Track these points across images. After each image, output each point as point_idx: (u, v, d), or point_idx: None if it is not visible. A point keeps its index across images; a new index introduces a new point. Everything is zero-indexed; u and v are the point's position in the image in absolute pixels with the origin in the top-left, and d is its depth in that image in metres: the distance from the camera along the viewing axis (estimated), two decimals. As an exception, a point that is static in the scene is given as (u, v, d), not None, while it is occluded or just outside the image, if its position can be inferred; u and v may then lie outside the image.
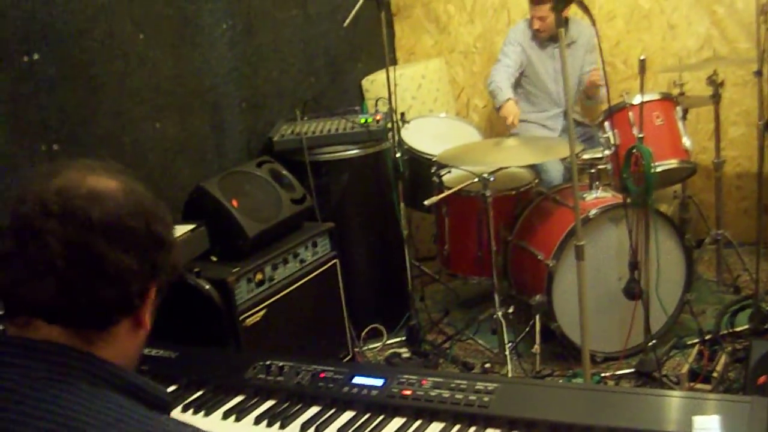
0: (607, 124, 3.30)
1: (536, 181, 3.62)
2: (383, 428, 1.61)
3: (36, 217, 0.96)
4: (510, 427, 1.54)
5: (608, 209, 3.14)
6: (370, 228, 3.56)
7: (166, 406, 1.08)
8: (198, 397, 1.81)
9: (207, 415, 1.74)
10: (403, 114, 3.72)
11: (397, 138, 3.40)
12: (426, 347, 3.48)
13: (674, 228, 3.27)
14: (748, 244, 3.87)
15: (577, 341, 3.07)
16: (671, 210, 3.94)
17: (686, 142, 3.30)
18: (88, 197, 0.98)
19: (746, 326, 3.25)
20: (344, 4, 3.74)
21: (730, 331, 3.27)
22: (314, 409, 1.70)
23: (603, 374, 3.10)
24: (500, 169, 3.39)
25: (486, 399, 1.59)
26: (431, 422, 1.60)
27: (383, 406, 1.66)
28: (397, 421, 1.62)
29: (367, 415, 1.65)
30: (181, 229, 2.52)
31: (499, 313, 3.29)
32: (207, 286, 2.55)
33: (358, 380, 1.72)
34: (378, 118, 3.49)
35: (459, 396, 1.61)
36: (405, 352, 3.47)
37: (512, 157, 3.28)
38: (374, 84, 4.27)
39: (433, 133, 3.94)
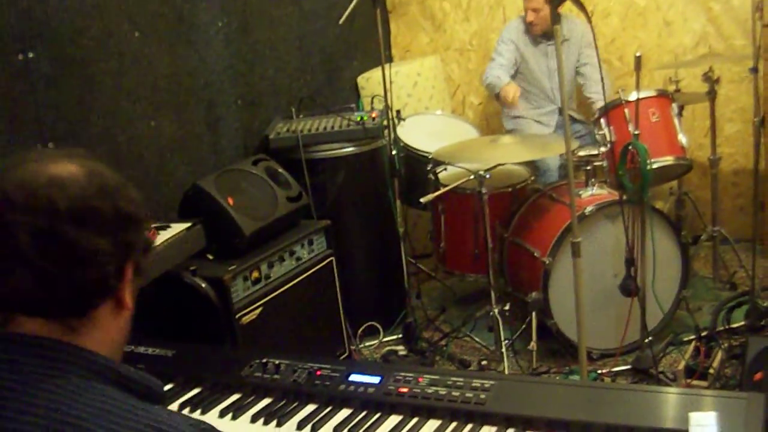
0: (602, 120, 3.30)
1: (532, 178, 3.62)
2: (380, 426, 1.61)
3: (1, 212, 0.95)
4: (506, 424, 1.54)
5: (604, 206, 3.14)
6: (366, 225, 3.56)
7: (159, 397, 1.07)
8: (194, 395, 1.81)
9: (203, 413, 1.74)
10: (398, 111, 3.72)
11: (392, 135, 3.39)
12: (422, 345, 3.47)
13: (670, 225, 3.27)
14: (744, 241, 3.87)
15: (574, 338, 3.06)
16: (667, 207, 3.95)
17: (682, 138, 3.30)
18: (51, 185, 0.97)
19: (742, 323, 3.26)
20: (340, 2, 3.73)
21: (727, 327, 3.28)
22: (311, 407, 1.70)
23: (599, 371, 3.10)
24: (496, 166, 3.38)
25: (483, 396, 1.59)
26: (428, 420, 1.60)
27: (380, 403, 1.66)
28: (394, 419, 1.62)
29: (363, 413, 1.65)
30: (177, 228, 2.51)
31: (496, 311, 3.29)
32: (203, 284, 2.56)
33: (354, 378, 1.72)
34: (374, 115, 3.49)
35: (455, 393, 1.61)
36: (401, 350, 3.47)
37: (508, 154, 3.28)
38: (370, 81, 4.27)
39: (428, 130, 3.93)
